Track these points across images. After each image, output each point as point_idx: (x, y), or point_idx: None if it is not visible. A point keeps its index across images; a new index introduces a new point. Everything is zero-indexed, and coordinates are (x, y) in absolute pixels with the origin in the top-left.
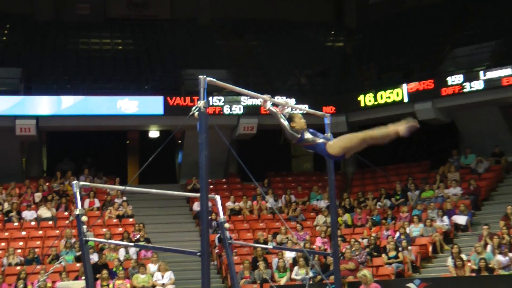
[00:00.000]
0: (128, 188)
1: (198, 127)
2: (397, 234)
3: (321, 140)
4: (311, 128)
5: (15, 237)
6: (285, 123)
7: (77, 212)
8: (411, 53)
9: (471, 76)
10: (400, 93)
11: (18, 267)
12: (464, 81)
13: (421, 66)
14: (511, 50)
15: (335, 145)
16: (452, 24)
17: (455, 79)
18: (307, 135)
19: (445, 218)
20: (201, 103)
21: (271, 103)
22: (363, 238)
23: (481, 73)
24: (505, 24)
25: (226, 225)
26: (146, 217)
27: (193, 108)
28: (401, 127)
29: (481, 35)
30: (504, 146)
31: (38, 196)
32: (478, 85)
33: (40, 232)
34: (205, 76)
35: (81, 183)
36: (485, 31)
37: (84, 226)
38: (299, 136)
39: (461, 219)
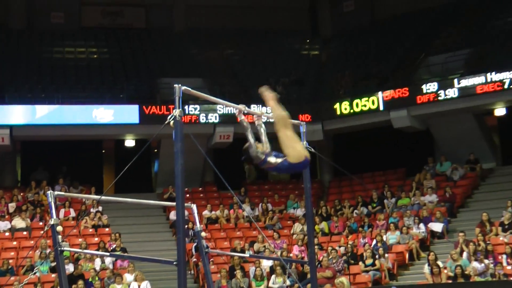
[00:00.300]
0: (104, 197)
1: (173, 136)
2: (374, 241)
3: (282, 159)
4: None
5: None
6: (252, 141)
7: (52, 222)
8: (386, 61)
9: (445, 84)
10: (376, 101)
11: None
12: (438, 89)
13: (396, 74)
14: (485, 58)
15: (290, 154)
16: (426, 32)
17: (430, 87)
18: (271, 158)
19: (421, 225)
20: (176, 112)
21: (243, 116)
22: (340, 246)
23: (456, 81)
24: (478, 32)
25: (203, 234)
26: (122, 227)
27: (169, 117)
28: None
29: (455, 44)
30: (479, 153)
31: (12, 206)
32: (452, 93)
33: (14, 242)
34: (180, 85)
35: (56, 192)
36: (458, 40)
37: (60, 236)
38: (263, 158)
39: (437, 227)
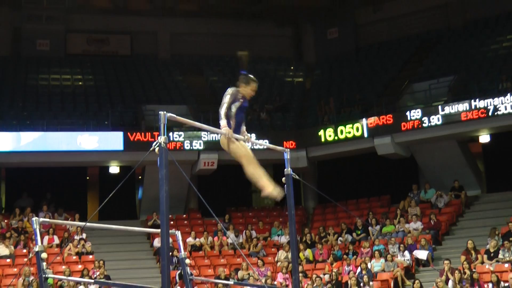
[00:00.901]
0: (88, 224)
1: (158, 162)
2: (359, 269)
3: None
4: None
5: None
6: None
7: (37, 249)
8: (370, 88)
9: (429, 111)
10: (360, 128)
11: None
12: (422, 116)
13: (380, 101)
14: (469, 85)
15: (225, 144)
16: (410, 59)
17: (414, 114)
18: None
19: (406, 253)
20: (161, 139)
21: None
22: (324, 274)
23: (440, 108)
24: (462, 59)
25: (187, 261)
26: (106, 254)
27: (154, 143)
28: (271, 190)
29: (439, 71)
30: (464, 180)
31: None
32: (436, 120)
33: None
34: (165, 112)
35: (41, 219)
36: (442, 66)
37: (44, 263)
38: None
39: (422, 254)
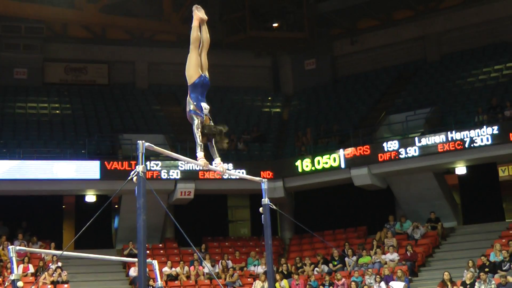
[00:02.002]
0: (65, 253)
1: (136, 191)
2: None
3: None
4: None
5: None
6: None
7: (13, 277)
8: (347, 119)
9: (406, 143)
10: (337, 158)
11: None
12: (399, 147)
13: (357, 132)
14: (445, 117)
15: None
16: (386, 91)
17: (391, 145)
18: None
19: (383, 284)
20: (139, 168)
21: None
22: None
23: (416, 139)
24: (439, 91)
25: None
26: (81, 283)
27: (132, 172)
28: (198, 15)
29: (416, 102)
30: (440, 212)
31: None
32: (413, 151)
33: None
34: (143, 141)
35: (17, 247)
36: (419, 98)
37: None
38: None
39: (398, 285)
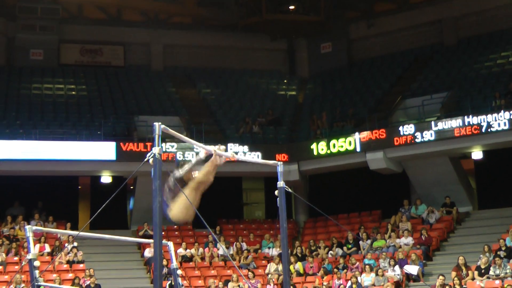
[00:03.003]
0: (81, 233)
1: (152, 173)
2: (349, 283)
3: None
4: None
5: None
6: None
7: (30, 256)
8: (363, 103)
9: (422, 127)
10: (353, 142)
11: None
12: (415, 132)
13: (373, 115)
14: (462, 102)
15: (175, 210)
16: (403, 75)
17: (406, 129)
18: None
19: (397, 268)
20: (156, 150)
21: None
22: (314, 287)
23: (432, 123)
24: (455, 75)
25: (179, 271)
26: (96, 263)
27: (148, 154)
28: (217, 162)
29: (432, 86)
30: (455, 196)
31: None
32: (429, 135)
33: None
34: (160, 123)
35: (34, 227)
36: (435, 83)
37: (37, 271)
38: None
39: (412, 269)
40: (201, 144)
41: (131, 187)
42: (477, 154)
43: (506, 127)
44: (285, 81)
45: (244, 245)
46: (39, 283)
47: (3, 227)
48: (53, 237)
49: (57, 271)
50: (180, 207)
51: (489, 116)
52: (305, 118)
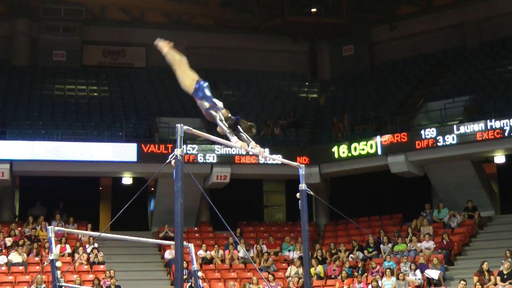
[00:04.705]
0: (102, 234)
1: (174, 175)
2: (369, 287)
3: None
4: None
5: None
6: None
7: (51, 257)
8: (385, 106)
9: (444, 130)
10: (374, 145)
11: None
12: (437, 135)
13: (395, 119)
14: (484, 105)
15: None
16: (425, 78)
17: (428, 133)
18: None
19: (418, 272)
20: (178, 151)
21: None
22: None
23: (455, 127)
24: (478, 79)
25: (199, 273)
26: (117, 264)
27: (170, 156)
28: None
29: (454, 90)
30: (477, 201)
31: (9, 240)
32: (451, 139)
33: (10, 277)
34: (182, 125)
35: (56, 228)
36: (458, 86)
37: (58, 272)
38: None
39: (434, 274)
40: (226, 141)
41: (152, 189)
42: (499, 158)
43: None
44: (307, 83)
45: (265, 248)
46: (61, 284)
47: (24, 227)
48: (74, 237)
49: (77, 272)
50: (182, 79)
51: None
52: (327, 120)
